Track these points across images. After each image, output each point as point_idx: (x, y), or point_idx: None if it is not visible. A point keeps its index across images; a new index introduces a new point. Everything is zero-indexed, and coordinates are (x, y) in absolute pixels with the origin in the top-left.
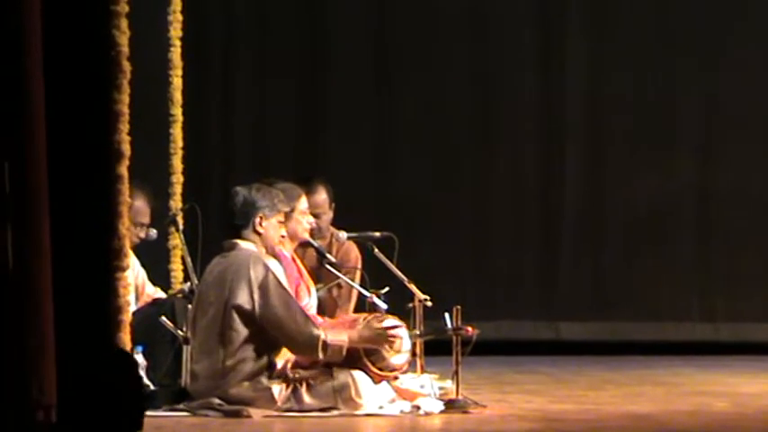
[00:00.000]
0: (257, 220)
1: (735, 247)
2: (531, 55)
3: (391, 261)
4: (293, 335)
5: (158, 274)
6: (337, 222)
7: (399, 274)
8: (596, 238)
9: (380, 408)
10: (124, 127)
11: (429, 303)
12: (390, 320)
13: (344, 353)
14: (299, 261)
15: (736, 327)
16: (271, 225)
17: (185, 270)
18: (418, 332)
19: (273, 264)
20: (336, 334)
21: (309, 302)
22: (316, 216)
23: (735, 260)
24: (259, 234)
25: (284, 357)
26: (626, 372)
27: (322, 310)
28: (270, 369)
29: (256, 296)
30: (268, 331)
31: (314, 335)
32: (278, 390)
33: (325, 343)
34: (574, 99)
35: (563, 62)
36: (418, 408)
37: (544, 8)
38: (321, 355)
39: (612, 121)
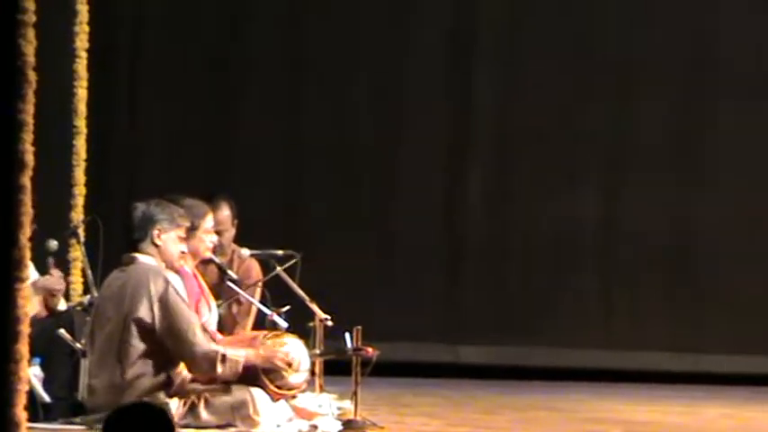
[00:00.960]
0: (155, 233)
1: (635, 276)
2: (438, 80)
3: (293, 279)
4: (191, 349)
5: None
6: (240, 239)
7: (301, 292)
8: (498, 263)
9: (278, 426)
10: (28, 137)
11: (330, 323)
12: (290, 339)
13: (241, 370)
14: (200, 277)
15: (634, 354)
16: (169, 239)
17: (86, 283)
18: (318, 351)
19: (173, 278)
20: (234, 351)
21: (209, 318)
22: (218, 233)
23: (634, 289)
24: (157, 247)
25: (182, 374)
26: (523, 396)
27: (222, 326)
28: (167, 385)
29: (156, 309)
30: (167, 346)
31: (212, 350)
32: (175, 406)
33: (223, 356)
34: (480, 126)
35: (470, 89)
36: (316, 427)
37: (454, 36)
38: (219, 371)
39: (518, 149)
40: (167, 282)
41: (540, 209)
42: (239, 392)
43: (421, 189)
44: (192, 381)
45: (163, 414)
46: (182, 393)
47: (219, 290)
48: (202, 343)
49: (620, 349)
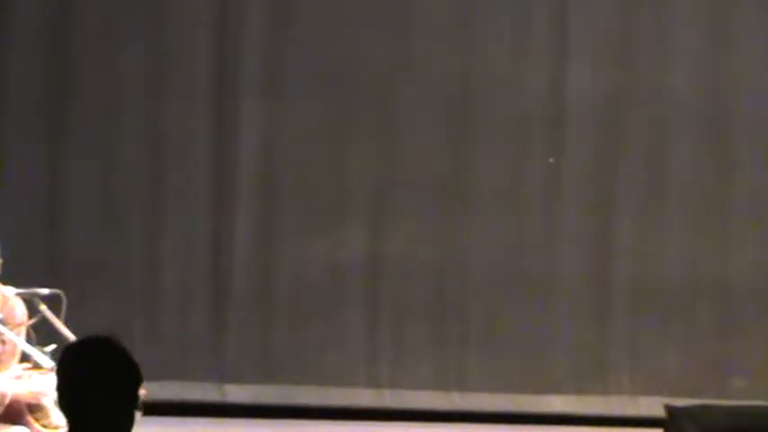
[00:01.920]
0: None
1: (401, 314)
2: (205, 114)
3: (59, 318)
4: None
5: None
6: (5, 278)
7: (66, 332)
8: (266, 302)
9: None
10: None
11: None
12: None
13: (5, 404)
14: None
15: (400, 393)
16: None
17: None
18: None
19: None
20: None
21: None
22: None
23: (400, 327)
24: None
25: None
26: None
27: None
28: None
29: None
30: None
31: None
32: None
33: None
34: (245, 160)
35: (235, 126)
36: None
37: (217, 74)
38: None
39: (282, 185)
40: None
41: (307, 248)
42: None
43: (186, 224)
44: None
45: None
46: None
47: None
48: None
49: (386, 387)
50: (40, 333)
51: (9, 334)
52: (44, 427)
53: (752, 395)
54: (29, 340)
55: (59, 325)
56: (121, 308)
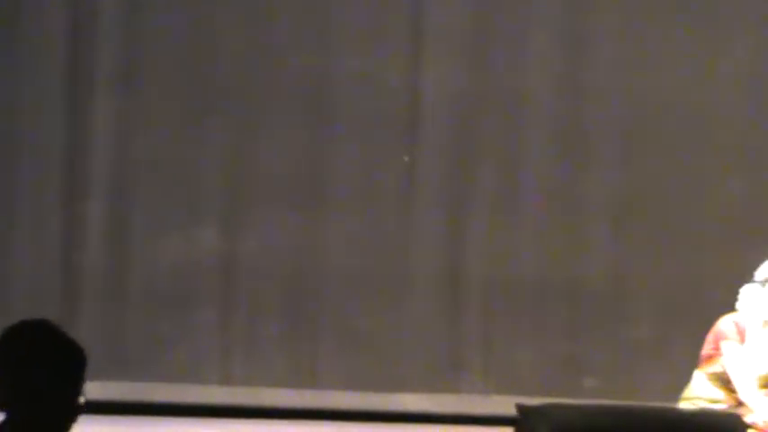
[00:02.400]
0: None
1: (255, 312)
2: (57, 108)
3: None
4: None
5: None
6: None
7: None
8: (119, 299)
9: None
10: None
11: None
12: None
13: None
14: None
15: (253, 391)
16: None
17: None
18: None
19: None
20: None
21: None
22: None
23: (253, 324)
24: None
25: None
26: None
27: None
28: None
29: None
30: None
31: None
32: None
33: None
34: (98, 155)
35: (89, 118)
36: None
37: (73, 60)
38: None
39: (135, 181)
40: None
41: (161, 244)
42: None
43: (38, 227)
44: None
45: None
46: None
47: None
48: None
49: (239, 385)
50: None
51: None
52: None
53: (603, 394)
54: None
55: None
56: None
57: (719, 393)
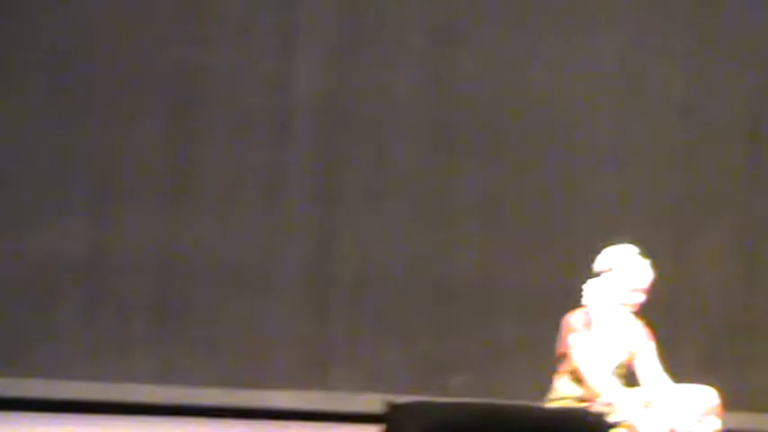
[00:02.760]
0: None
1: (124, 308)
2: None
3: None
4: None
5: None
6: None
7: None
8: None
9: None
10: None
11: None
12: None
13: None
14: None
15: (123, 387)
16: None
17: None
18: None
19: None
20: None
21: None
22: None
23: (123, 322)
24: None
25: None
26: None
27: None
28: None
29: None
30: None
31: None
32: None
33: None
34: None
35: None
36: None
37: None
38: None
39: (3, 174)
40: None
41: (29, 238)
42: None
43: None
44: None
45: None
46: None
47: None
48: None
49: (109, 381)
50: None
51: None
52: None
53: (470, 393)
54: None
55: None
56: None
57: (580, 391)
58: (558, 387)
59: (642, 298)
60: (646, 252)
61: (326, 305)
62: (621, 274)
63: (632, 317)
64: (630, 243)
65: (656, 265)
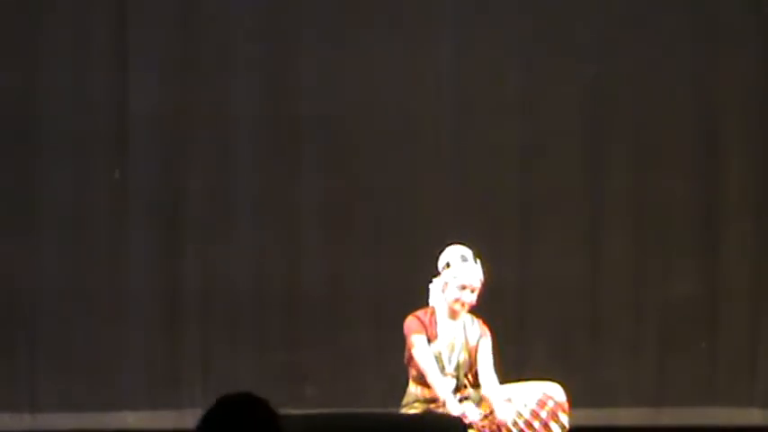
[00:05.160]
0: None
1: None
2: None
3: None
4: None
5: None
6: None
7: None
8: None
9: None
10: None
11: None
12: None
13: None
14: None
15: None
16: None
17: None
18: None
19: None
20: None
21: None
22: None
23: None
24: None
25: None
26: None
27: None
28: None
29: None
30: None
31: None
32: None
33: None
34: None
35: None
36: None
37: None
38: None
39: None
40: None
41: None
42: None
43: None
44: None
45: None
46: None
47: None
48: None
49: None
50: None
51: None
52: None
53: (324, 402)
54: None
55: None
56: None
57: (427, 393)
58: (409, 392)
59: (473, 297)
60: (489, 250)
61: (176, 323)
62: (452, 273)
63: (469, 315)
64: (465, 242)
65: (504, 263)
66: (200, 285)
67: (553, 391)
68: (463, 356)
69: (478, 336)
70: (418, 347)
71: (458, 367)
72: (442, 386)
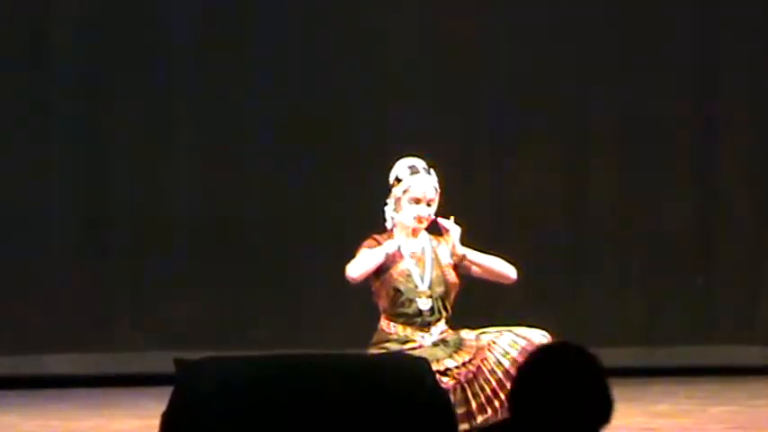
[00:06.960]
0: None
1: None
2: None
3: None
4: None
5: None
6: None
7: None
8: None
9: None
10: None
11: None
12: None
13: None
14: None
15: None
16: None
17: None
18: None
19: None
20: None
21: None
22: None
23: None
24: None
25: None
26: None
27: None
28: None
29: None
30: None
31: None
32: None
33: None
34: None
35: None
36: None
37: None
38: None
39: None
40: None
41: None
42: None
43: None
44: None
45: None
46: None
47: None
48: None
49: None
50: None
51: None
52: None
53: (278, 344)
54: None
55: None
56: None
57: (399, 328)
58: (381, 327)
59: (431, 210)
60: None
61: (107, 260)
62: (403, 187)
63: (428, 233)
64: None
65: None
66: (133, 222)
67: (538, 339)
68: (436, 273)
69: (449, 251)
70: (362, 249)
71: (431, 285)
72: (383, 246)
